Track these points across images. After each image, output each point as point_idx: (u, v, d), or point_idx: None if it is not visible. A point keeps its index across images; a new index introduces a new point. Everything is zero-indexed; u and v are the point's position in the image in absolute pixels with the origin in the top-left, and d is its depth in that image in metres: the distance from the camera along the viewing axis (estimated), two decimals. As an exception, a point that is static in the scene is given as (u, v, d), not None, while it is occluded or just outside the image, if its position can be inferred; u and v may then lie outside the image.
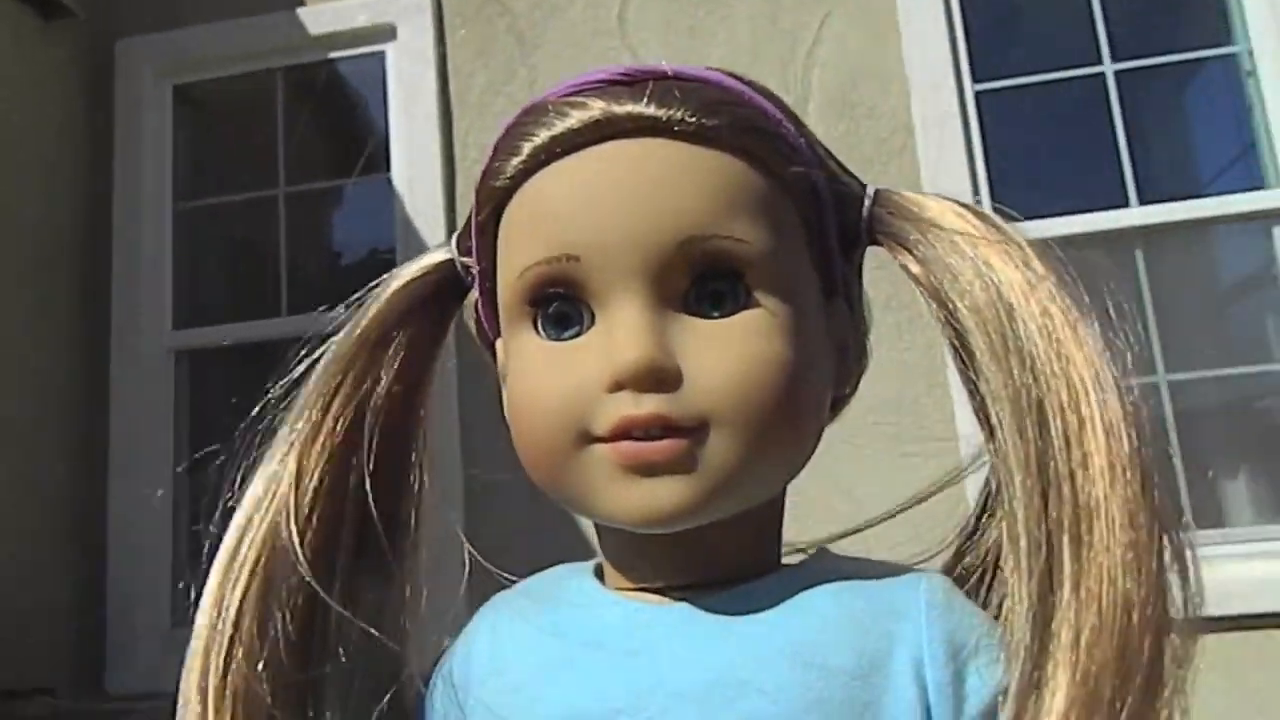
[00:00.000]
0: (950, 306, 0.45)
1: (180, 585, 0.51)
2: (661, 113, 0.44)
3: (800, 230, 0.46)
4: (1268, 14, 2.42)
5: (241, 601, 0.47)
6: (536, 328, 0.46)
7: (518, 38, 2.64)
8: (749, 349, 0.43)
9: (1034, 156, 2.73)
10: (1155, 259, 2.43)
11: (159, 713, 0.51)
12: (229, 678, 0.46)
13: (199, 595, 0.48)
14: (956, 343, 0.46)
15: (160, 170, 2.84)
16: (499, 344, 0.51)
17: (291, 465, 0.48)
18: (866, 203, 0.48)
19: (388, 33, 2.76)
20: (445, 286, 0.52)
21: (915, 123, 2.43)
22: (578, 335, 0.45)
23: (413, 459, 0.52)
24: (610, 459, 0.43)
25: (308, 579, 0.47)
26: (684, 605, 0.45)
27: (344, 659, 0.47)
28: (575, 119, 0.44)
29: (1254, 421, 2.51)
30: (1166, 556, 0.40)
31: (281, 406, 0.51)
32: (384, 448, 0.50)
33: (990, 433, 0.44)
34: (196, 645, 0.47)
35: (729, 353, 0.43)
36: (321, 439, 0.49)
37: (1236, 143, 2.60)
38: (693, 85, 0.45)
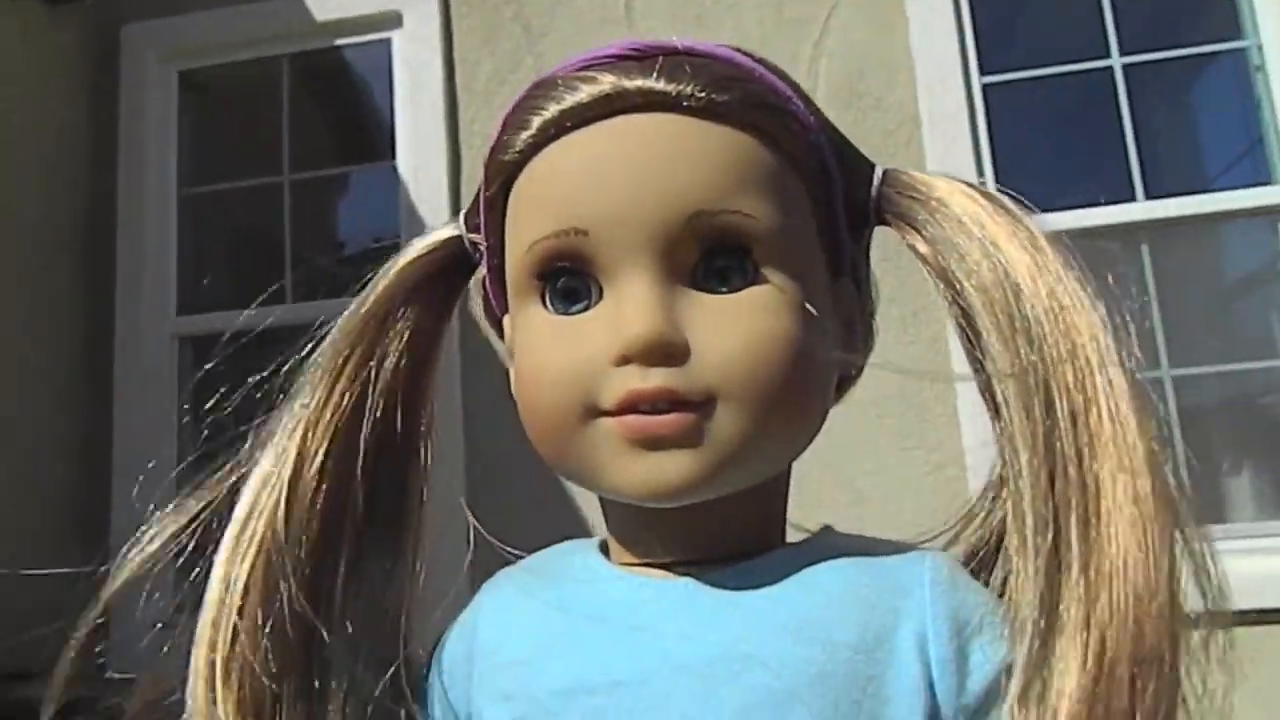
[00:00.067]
0: (957, 286, 0.45)
1: (181, 568, 0.51)
2: (671, 88, 0.44)
3: (808, 208, 0.46)
4: (1277, 9, 2.41)
5: (248, 576, 0.47)
6: (544, 302, 0.46)
7: (524, 26, 2.64)
8: (756, 324, 0.43)
9: (1040, 150, 2.72)
10: (1161, 254, 2.42)
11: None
12: (236, 650, 0.47)
13: (198, 581, 0.49)
14: (963, 322, 0.46)
15: (165, 156, 2.84)
16: (506, 320, 0.51)
17: (298, 441, 0.49)
18: (875, 182, 0.48)
19: (393, 20, 2.75)
20: (453, 263, 0.52)
21: (922, 115, 2.42)
22: (585, 310, 0.45)
23: (419, 435, 0.52)
24: (617, 432, 0.43)
25: (311, 554, 0.47)
26: (688, 580, 0.45)
27: (349, 633, 0.48)
28: (585, 93, 0.44)
29: (1258, 417, 2.51)
30: (1178, 534, 0.40)
31: (288, 384, 0.51)
32: (390, 424, 0.50)
33: (996, 412, 0.44)
34: (205, 619, 0.48)
35: (736, 328, 0.43)
36: (328, 415, 0.49)
37: (1244, 138, 2.59)
38: (703, 60, 0.45)
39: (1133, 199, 2.42)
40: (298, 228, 2.90)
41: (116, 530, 2.57)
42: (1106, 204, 2.39)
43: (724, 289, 0.44)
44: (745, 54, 0.48)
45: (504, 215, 0.48)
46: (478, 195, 0.50)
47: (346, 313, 0.51)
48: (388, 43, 2.78)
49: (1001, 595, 0.44)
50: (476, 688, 0.48)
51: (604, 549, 0.50)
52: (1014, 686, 0.40)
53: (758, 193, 0.44)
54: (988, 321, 0.44)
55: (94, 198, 2.77)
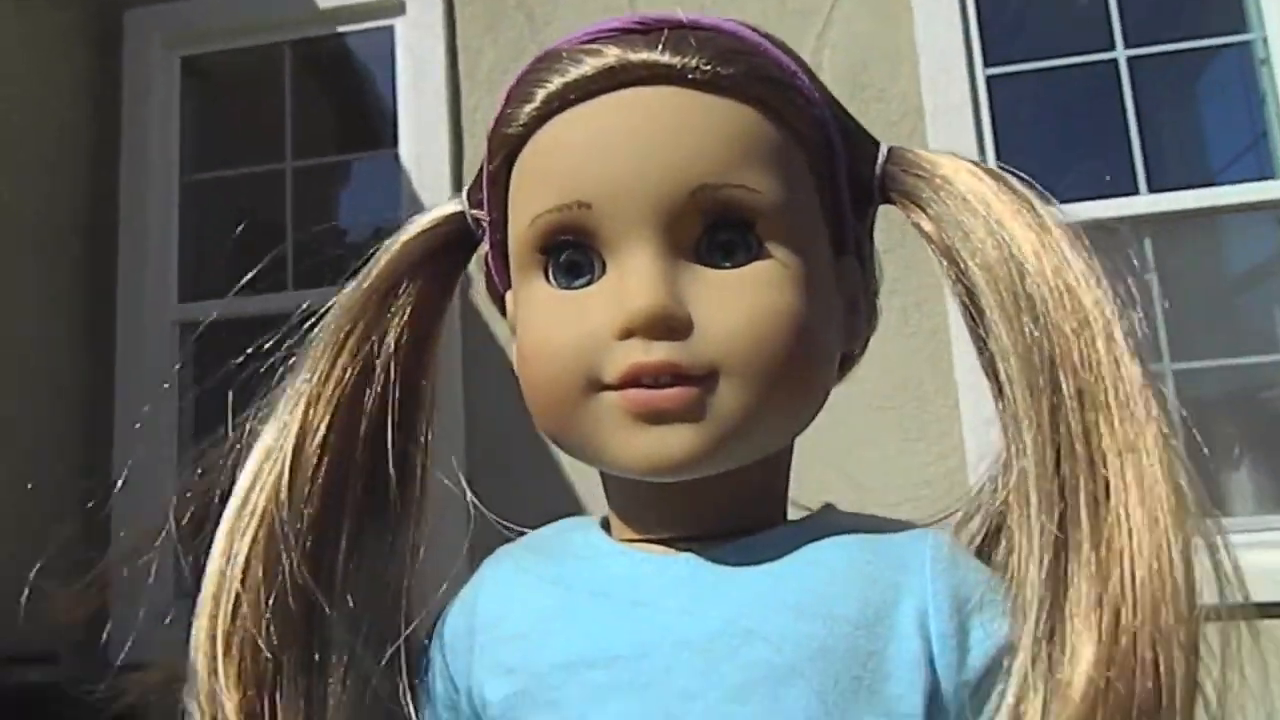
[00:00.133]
0: (961, 265, 0.45)
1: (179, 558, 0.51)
2: (676, 60, 0.43)
3: (812, 183, 0.46)
4: (1283, 2, 2.40)
5: (250, 550, 0.48)
6: (547, 276, 0.46)
7: (527, 14, 2.63)
8: (760, 299, 0.43)
9: (1044, 142, 2.71)
10: (1164, 247, 2.42)
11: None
12: (236, 623, 0.47)
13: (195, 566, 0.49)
14: (967, 301, 0.46)
15: (167, 142, 2.84)
16: (509, 296, 0.51)
17: (300, 415, 0.49)
18: (880, 159, 0.48)
19: (396, 7, 2.74)
20: (455, 239, 0.52)
21: (925, 106, 2.42)
22: (589, 284, 0.45)
23: (420, 411, 0.52)
24: (619, 406, 0.43)
25: (313, 528, 0.48)
26: (689, 556, 0.45)
27: (350, 607, 0.48)
28: (590, 66, 0.44)
29: (1259, 412, 2.50)
30: (1190, 509, 0.40)
31: (289, 367, 0.51)
32: (392, 399, 0.50)
33: (999, 391, 0.44)
34: (206, 592, 0.48)
35: (740, 302, 0.43)
36: (330, 389, 0.49)
37: (1248, 131, 2.58)
38: (708, 34, 0.45)
39: (1136, 192, 2.41)
40: (300, 215, 2.90)
41: (118, 518, 2.57)
42: (1109, 197, 2.38)
43: (727, 264, 0.44)
44: (750, 28, 0.47)
45: (507, 189, 0.48)
46: (480, 170, 0.50)
47: (348, 288, 0.51)
48: (390, 30, 2.77)
49: (1003, 574, 0.44)
50: (477, 662, 0.48)
51: (605, 525, 0.50)
52: (1018, 663, 0.40)
53: (762, 167, 0.44)
54: (992, 300, 0.44)
55: (96, 184, 2.76)
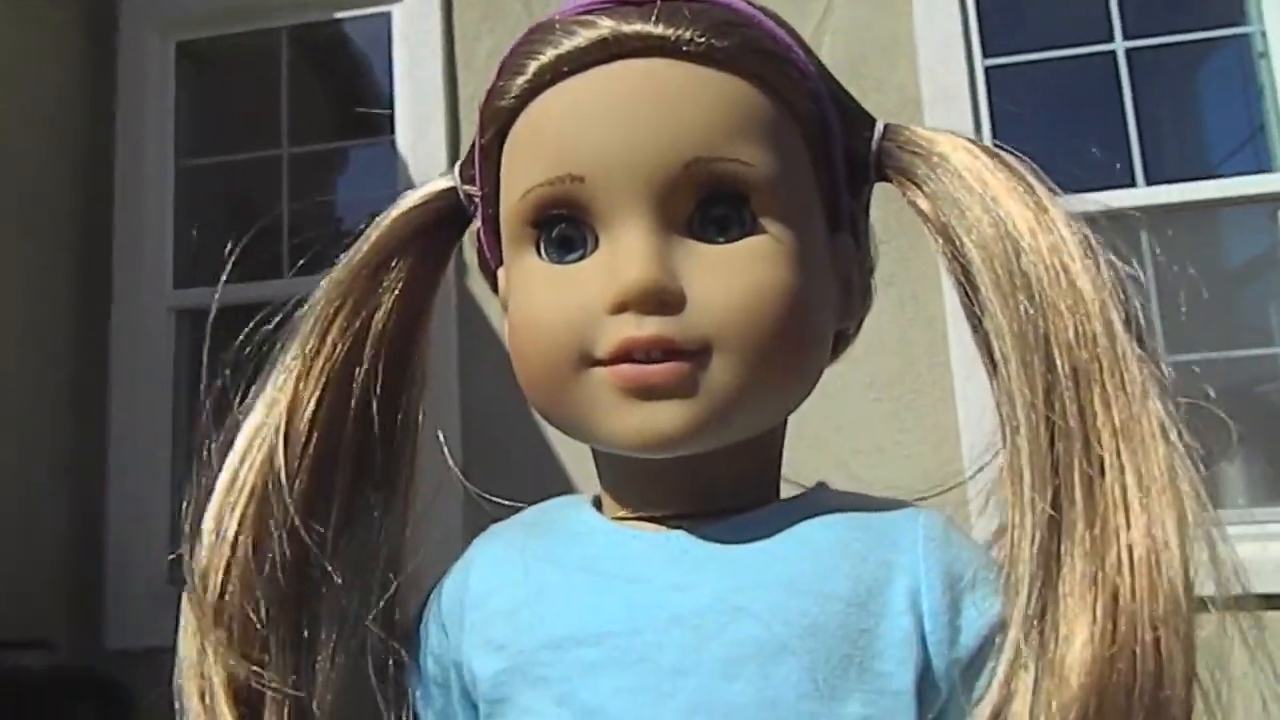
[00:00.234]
0: (957, 242, 0.45)
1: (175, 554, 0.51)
2: (670, 32, 0.43)
3: (807, 158, 0.46)
4: (1282, -5, 2.40)
5: (239, 526, 0.47)
6: (539, 251, 0.45)
7: (524, 2, 2.62)
8: (753, 274, 0.43)
9: (1042, 133, 2.71)
10: (1161, 240, 2.41)
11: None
12: (225, 599, 0.47)
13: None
14: (962, 279, 0.45)
15: (163, 128, 2.82)
16: (501, 273, 0.51)
17: (290, 391, 0.48)
18: (876, 136, 0.48)
19: (393, -7, 2.73)
20: (447, 215, 0.52)
21: (924, 96, 2.41)
22: (581, 259, 0.44)
23: (411, 388, 0.51)
24: (610, 382, 0.43)
25: (302, 504, 0.47)
26: (681, 533, 0.45)
27: (339, 583, 0.48)
28: (582, 38, 0.44)
29: (1255, 404, 2.51)
30: (1186, 489, 0.39)
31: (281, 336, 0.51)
32: (382, 375, 0.50)
33: (994, 368, 0.44)
34: (195, 568, 0.48)
35: (733, 278, 0.43)
36: (319, 364, 0.49)
37: (1246, 124, 2.58)
38: (702, 6, 0.44)
39: (1133, 184, 2.41)
40: (296, 201, 2.89)
41: (113, 504, 2.57)
42: (1107, 189, 2.38)
43: (721, 239, 0.43)
44: (746, 0, 0.47)
45: (499, 163, 0.47)
46: (472, 145, 0.49)
47: (339, 264, 0.50)
48: (387, 16, 2.76)
49: (996, 552, 0.44)
50: (467, 639, 0.48)
51: (597, 503, 0.50)
52: (1010, 641, 0.40)
53: (756, 141, 0.43)
54: (987, 278, 0.44)
55: (91, 170, 2.75)
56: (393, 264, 0.50)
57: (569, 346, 0.43)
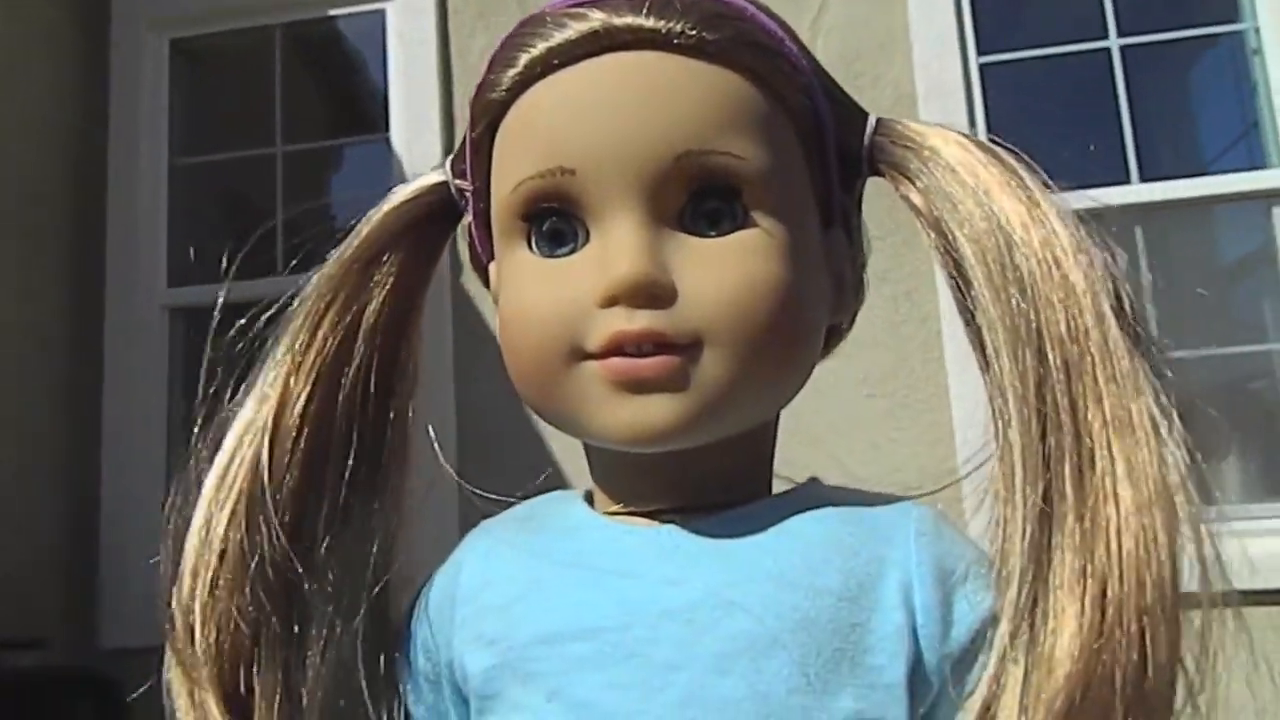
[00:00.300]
0: (949, 236, 0.45)
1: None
2: (661, 25, 0.43)
3: (799, 152, 0.46)
4: (1276, -8, 2.40)
5: (228, 523, 0.47)
6: (530, 245, 0.45)
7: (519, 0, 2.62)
8: (745, 268, 0.42)
9: (1036, 130, 2.71)
10: (1155, 236, 2.42)
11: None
12: (214, 596, 0.46)
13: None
14: (954, 273, 0.45)
15: (156, 125, 2.81)
16: (492, 267, 0.50)
17: (280, 386, 0.48)
18: (868, 130, 0.48)
19: (387, -9, 2.72)
20: (439, 209, 0.51)
21: (918, 93, 2.41)
22: (572, 252, 0.44)
23: (402, 384, 0.51)
24: (601, 375, 0.43)
25: (292, 500, 0.47)
26: (672, 528, 0.45)
27: (329, 579, 0.48)
28: (573, 30, 0.43)
29: (1248, 401, 2.51)
30: (1175, 481, 0.39)
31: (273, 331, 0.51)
32: (373, 370, 0.49)
33: (986, 363, 0.44)
34: (184, 566, 0.48)
35: (725, 271, 0.42)
36: (310, 359, 0.48)
37: (1240, 121, 2.59)
38: None
39: (1128, 181, 2.41)
40: (290, 199, 2.89)
41: (108, 503, 2.56)
42: (1101, 186, 2.38)
43: (712, 232, 0.43)
44: None
45: (490, 157, 0.47)
46: (464, 139, 0.49)
47: (330, 259, 0.50)
48: (381, 14, 2.75)
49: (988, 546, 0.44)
50: (458, 635, 0.47)
51: (589, 499, 0.50)
52: (1000, 634, 0.40)
53: (748, 134, 0.43)
54: (979, 271, 0.44)
55: (84, 167, 2.74)
56: (384, 259, 0.50)
57: (560, 340, 0.43)
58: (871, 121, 0.48)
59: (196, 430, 0.51)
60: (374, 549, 0.49)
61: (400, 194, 0.51)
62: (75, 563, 2.50)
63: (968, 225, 0.44)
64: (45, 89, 2.70)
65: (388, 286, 0.50)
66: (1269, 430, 2.40)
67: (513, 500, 0.52)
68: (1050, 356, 0.41)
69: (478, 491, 0.54)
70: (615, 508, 0.48)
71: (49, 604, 2.43)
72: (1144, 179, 2.41)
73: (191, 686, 0.46)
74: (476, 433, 2.25)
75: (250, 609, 0.46)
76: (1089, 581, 0.38)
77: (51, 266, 2.66)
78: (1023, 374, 0.41)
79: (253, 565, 0.46)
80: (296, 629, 0.47)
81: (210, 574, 0.47)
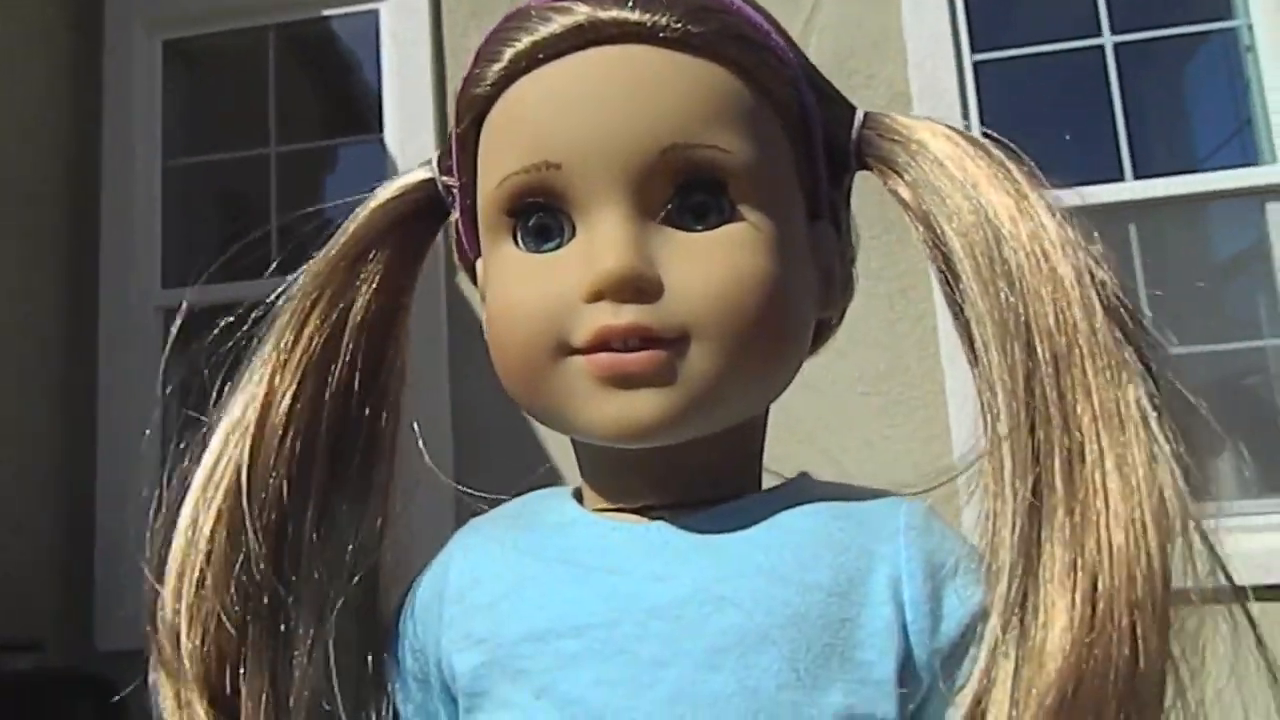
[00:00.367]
0: (937, 230, 0.45)
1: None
2: (646, 18, 0.43)
3: (786, 146, 0.46)
4: (1268, -11, 2.40)
5: (214, 523, 0.47)
6: (516, 240, 0.45)
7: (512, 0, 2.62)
8: (732, 262, 0.42)
9: (1030, 128, 2.71)
10: (1149, 233, 2.42)
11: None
12: (200, 596, 0.46)
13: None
14: (943, 267, 0.45)
15: (150, 127, 2.81)
16: (479, 264, 0.50)
17: (265, 384, 0.48)
18: (856, 124, 0.48)
19: (381, -9, 2.72)
20: (426, 206, 0.51)
21: (912, 92, 2.41)
22: (558, 248, 0.44)
23: (389, 382, 0.51)
24: (587, 371, 0.42)
25: (278, 499, 0.47)
26: (661, 524, 0.45)
27: (316, 579, 0.47)
28: (558, 24, 0.43)
29: (1243, 398, 2.52)
30: (1165, 474, 0.39)
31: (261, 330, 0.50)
32: (359, 368, 0.49)
33: (975, 358, 0.44)
34: (171, 566, 0.48)
35: (711, 265, 0.42)
36: (296, 357, 0.48)
37: (1233, 118, 2.59)
38: None
39: (1121, 178, 2.41)
40: (284, 200, 2.88)
41: (102, 504, 2.56)
42: (1095, 183, 2.39)
43: (699, 226, 0.43)
44: None
45: (475, 152, 0.47)
46: (450, 135, 0.49)
47: (317, 256, 0.50)
48: (375, 14, 2.75)
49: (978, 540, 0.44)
50: (446, 633, 0.47)
51: (579, 495, 0.50)
52: (990, 628, 0.40)
53: (734, 127, 0.43)
54: (968, 265, 0.43)
55: (78, 168, 2.74)
56: (370, 256, 0.50)
57: (546, 335, 0.43)
58: (859, 115, 0.48)
59: (177, 429, 0.51)
60: (361, 548, 0.49)
61: (386, 191, 0.51)
62: (72, 564, 2.49)
63: (956, 219, 0.44)
64: (39, 90, 2.69)
65: (374, 284, 0.50)
66: (1263, 427, 2.41)
67: (503, 498, 0.52)
68: (1039, 350, 0.41)
69: (468, 491, 0.54)
70: (604, 504, 0.48)
71: (46, 606, 2.42)
72: (1138, 176, 2.41)
73: (177, 688, 0.46)
74: (471, 431, 2.25)
75: (236, 609, 0.46)
76: (1079, 575, 0.38)
77: (46, 267, 2.66)
78: (1011, 367, 0.41)
79: (239, 565, 0.46)
80: (283, 629, 0.47)
81: (196, 574, 0.46)
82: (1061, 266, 0.42)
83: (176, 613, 0.47)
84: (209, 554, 0.46)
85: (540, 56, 0.44)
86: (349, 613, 0.48)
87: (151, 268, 2.74)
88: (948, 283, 0.45)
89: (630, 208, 0.43)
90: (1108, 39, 2.50)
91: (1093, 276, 0.42)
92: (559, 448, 0.49)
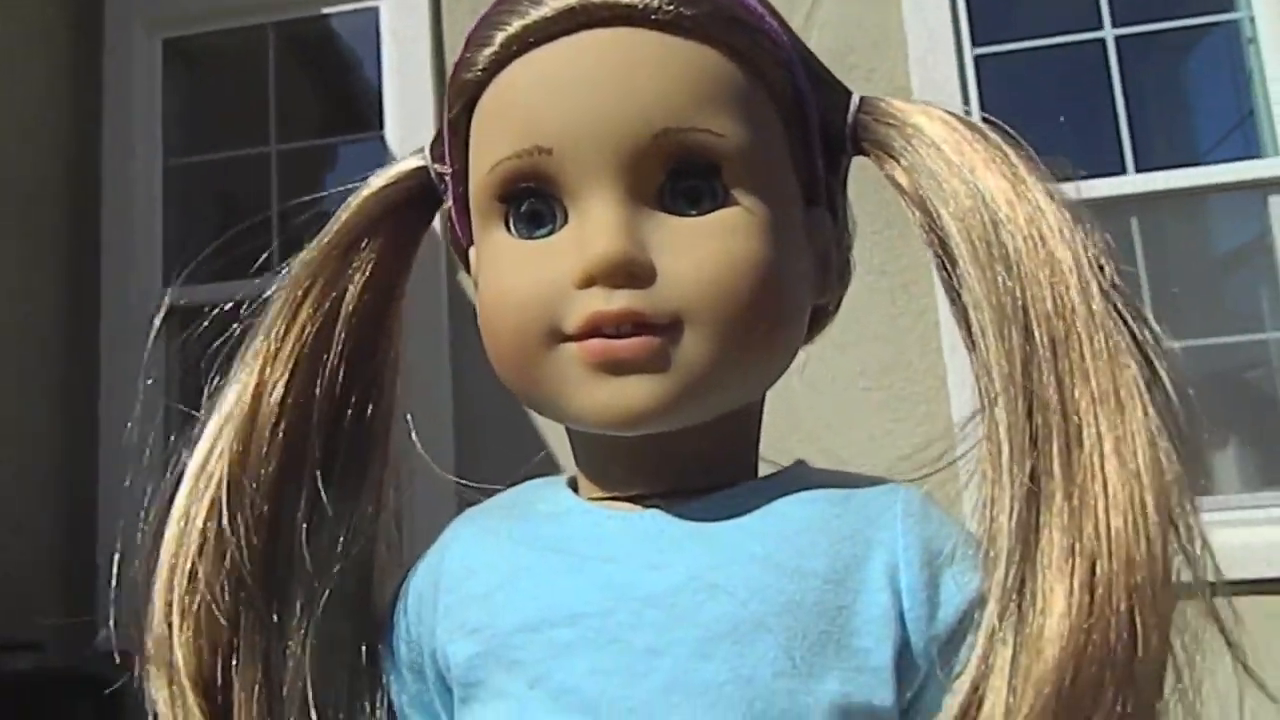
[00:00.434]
0: (934, 214, 0.44)
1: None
2: (638, 0, 0.42)
3: (780, 130, 0.45)
4: (1270, -19, 2.39)
5: (206, 514, 0.47)
6: (508, 226, 0.45)
7: (513, -5, 2.61)
8: (726, 247, 0.42)
9: (1032, 122, 2.70)
10: (1150, 227, 2.41)
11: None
12: (193, 587, 0.46)
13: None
14: (940, 252, 0.45)
15: (150, 126, 2.80)
16: (472, 252, 0.50)
17: (256, 374, 0.48)
18: (851, 108, 0.47)
19: (380, -12, 2.71)
20: (418, 194, 0.51)
21: (913, 86, 2.40)
22: (550, 234, 0.44)
23: (384, 371, 0.51)
24: (580, 357, 0.42)
25: (271, 489, 0.47)
26: (655, 512, 0.45)
27: (310, 569, 0.47)
28: (549, 7, 0.43)
29: (1244, 391, 2.51)
30: (1164, 459, 0.39)
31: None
32: (352, 358, 0.49)
33: (972, 343, 0.44)
34: (163, 559, 0.47)
35: (705, 250, 0.42)
36: (288, 347, 0.48)
37: (1235, 111, 2.58)
38: None
39: (1123, 172, 2.41)
40: (285, 198, 2.88)
41: (104, 504, 2.56)
42: (1097, 176, 2.38)
43: (692, 211, 0.42)
44: None
45: (468, 139, 0.47)
46: (442, 123, 0.49)
47: (309, 246, 0.50)
48: (375, 12, 2.75)
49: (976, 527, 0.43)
50: (441, 623, 0.47)
51: (574, 485, 0.50)
52: (988, 614, 0.39)
53: (727, 111, 0.43)
54: (965, 249, 0.43)
55: (78, 168, 2.73)
56: (363, 244, 0.49)
57: (538, 322, 0.43)
58: (855, 100, 0.48)
59: (178, 428, 0.51)
60: (355, 538, 0.49)
61: (379, 179, 0.51)
62: (72, 563, 2.49)
63: (952, 202, 0.43)
64: (39, 90, 2.69)
65: (367, 272, 0.49)
66: (1264, 420, 2.40)
67: (497, 488, 0.52)
68: (1037, 334, 0.41)
69: (464, 482, 0.53)
70: (598, 493, 0.47)
71: (46, 605, 2.42)
72: (1139, 169, 2.40)
73: (170, 680, 0.45)
74: (473, 423, 2.25)
75: (228, 600, 0.46)
76: (1077, 560, 0.38)
77: (47, 267, 2.66)
78: (1009, 352, 0.41)
79: (230, 557, 0.46)
80: (276, 620, 0.46)
81: (189, 566, 0.46)
82: (1059, 250, 0.42)
83: (169, 605, 0.46)
84: (201, 546, 0.46)
85: (531, 40, 0.43)
86: (343, 603, 0.48)
87: (152, 267, 2.74)
88: (945, 268, 0.45)
89: (622, 192, 0.42)
90: (1109, 32, 2.49)
91: (1091, 260, 0.42)
92: (560, 438, 0.49)
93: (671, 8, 0.42)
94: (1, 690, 2.05)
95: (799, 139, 0.46)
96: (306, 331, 0.48)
